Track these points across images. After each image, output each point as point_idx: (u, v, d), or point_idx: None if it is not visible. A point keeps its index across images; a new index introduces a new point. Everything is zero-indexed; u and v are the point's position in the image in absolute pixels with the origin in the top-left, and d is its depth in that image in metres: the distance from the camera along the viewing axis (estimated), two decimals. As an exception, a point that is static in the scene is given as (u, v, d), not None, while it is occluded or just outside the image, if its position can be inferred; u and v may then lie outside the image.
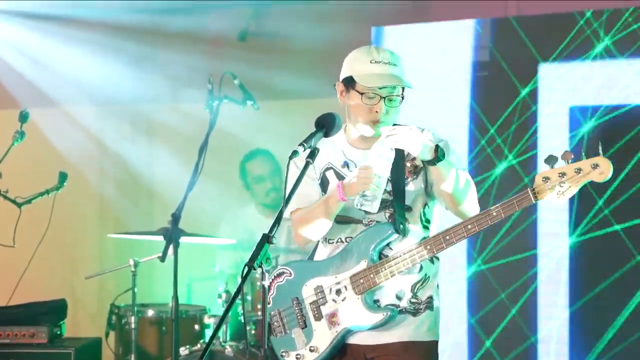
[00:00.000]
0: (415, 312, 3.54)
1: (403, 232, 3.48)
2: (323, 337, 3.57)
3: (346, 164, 3.56)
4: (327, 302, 3.57)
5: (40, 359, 5.25)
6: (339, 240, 3.58)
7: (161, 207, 6.38)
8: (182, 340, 4.87)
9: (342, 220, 3.56)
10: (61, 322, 5.46)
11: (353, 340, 3.57)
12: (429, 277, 3.55)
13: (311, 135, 3.32)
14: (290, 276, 3.65)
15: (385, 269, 3.46)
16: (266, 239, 3.09)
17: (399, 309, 3.52)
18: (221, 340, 4.96)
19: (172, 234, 4.03)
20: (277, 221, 3.15)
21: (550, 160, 3.22)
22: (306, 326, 3.59)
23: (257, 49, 6.59)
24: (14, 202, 5.37)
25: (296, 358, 3.61)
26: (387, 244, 3.51)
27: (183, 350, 4.87)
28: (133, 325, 5.16)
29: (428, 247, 3.41)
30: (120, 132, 6.97)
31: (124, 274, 5.18)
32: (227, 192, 6.33)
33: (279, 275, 3.68)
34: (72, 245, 6.96)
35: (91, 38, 6.76)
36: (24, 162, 5.81)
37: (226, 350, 4.87)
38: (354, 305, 3.52)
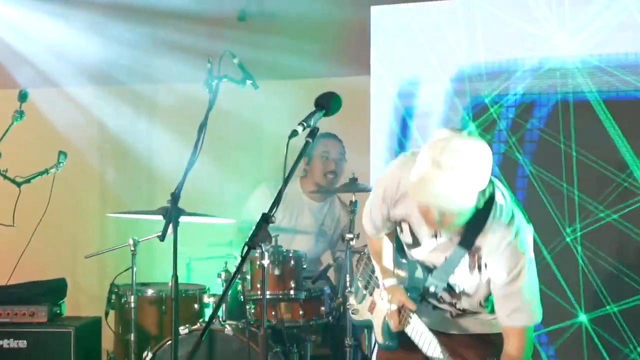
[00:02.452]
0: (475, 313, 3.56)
1: (431, 296, 3.49)
2: (363, 309, 3.76)
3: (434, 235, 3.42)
4: (378, 289, 3.67)
5: (41, 338, 5.28)
6: (411, 256, 3.57)
7: (161, 186, 6.39)
8: (181, 319, 4.88)
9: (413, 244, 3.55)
10: (61, 302, 5.48)
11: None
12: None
13: (311, 115, 3.31)
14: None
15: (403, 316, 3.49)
16: (266, 218, 3.10)
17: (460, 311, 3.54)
18: (221, 319, 4.97)
19: (172, 213, 4.02)
20: (277, 201, 3.15)
21: None
22: (366, 289, 3.75)
23: (256, 29, 6.58)
24: (13, 181, 5.37)
25: (348, 306, 3.94)
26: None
27: (183, 330, 4.88)
28: (133, 305, 5.17)
29: (420, 334, 3.44)
30: (120, 112, 6.96)
31: (124, 253, 5.18)
32: (227, 171, 6.33)
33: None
34: (71, 225, 6.97)
35: (91, 18, 6.75)
36: (24, 141, 5.81)
37: (226, 329, 4.88)
38: (380, 315, 3.61)
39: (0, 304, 5.32)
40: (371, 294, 3.68)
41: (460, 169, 3.01)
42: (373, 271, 3.74)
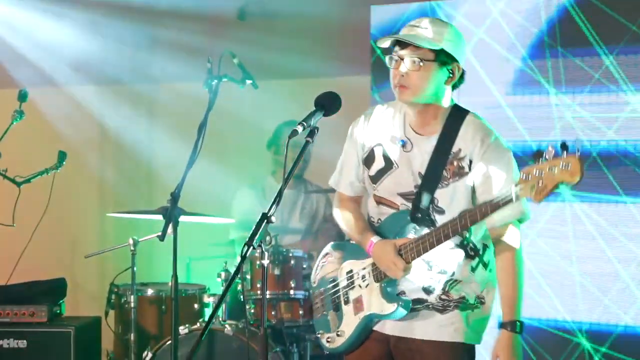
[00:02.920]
0: (442, 310, 3.45)
1: (419, 222, 3.41)
2: (349, 322, 3.58)
3: (403, 143, 3.47)
4: (354, 286, 3.57)
5: (40, 338, 5.27)
6: (379, 220, 3.56)
7: (161, 186, 6.38)
8: (181, 319, 4.88)
9: (380, 201, 3.55)
10: (61, 301, 5.47)
11: (379, 327, 3.54)
12: (460, 280, 3.44)
13: (310, 115, 3.31)
14: (331, 257, 3.68)
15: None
16: (265, 218, 3.09)
17: (425, 303, 3.45)
18: (221, 319, 4.97)
19: (172, 213, 4.02)
20: (277, 200, 3.15)
21: (537, 156, 3.01)
22: (338, 310, 3.61)
23: (256, 28, 6.57)
24: (13, 181, 5.37)
25: (327, 341, 3.64)
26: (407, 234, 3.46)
27: (182, 329, 4.88)
28: (133, 304, 5.17)
29: (430, 239, 3.32)
30: (120, 112, 6.96)
31: (124, 253, 5.18)
32: (226, 171, 6.33)
33: (324, 255, 3.72)
34: (71, 224, 6.97)
35: (91, 18, 6.74)
36: (23, 141, 5.81)
37: (226, 329, 4.88)
38: (374, 293, 3.51)
39: (0, 304, 5.31)
40: (347, 302, 3.60)
41: (428, 22, 3.35)
42: (335, 286, 3.65)
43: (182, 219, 4.10)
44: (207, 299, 5.30)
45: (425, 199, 3.40)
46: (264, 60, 6.00)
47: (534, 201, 3.04)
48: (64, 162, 5.48)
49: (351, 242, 3.70)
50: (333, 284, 3.65)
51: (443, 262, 3.44)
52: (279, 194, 3.15)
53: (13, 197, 5.37)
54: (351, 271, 3.59)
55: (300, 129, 3.25)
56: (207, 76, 4.26)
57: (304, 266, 5.14)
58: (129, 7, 6.59)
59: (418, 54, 3.30)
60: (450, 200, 3.39)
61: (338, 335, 3.60)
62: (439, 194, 3.40)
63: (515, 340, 3.36)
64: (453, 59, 3.35)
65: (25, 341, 5.26)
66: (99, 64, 6.87)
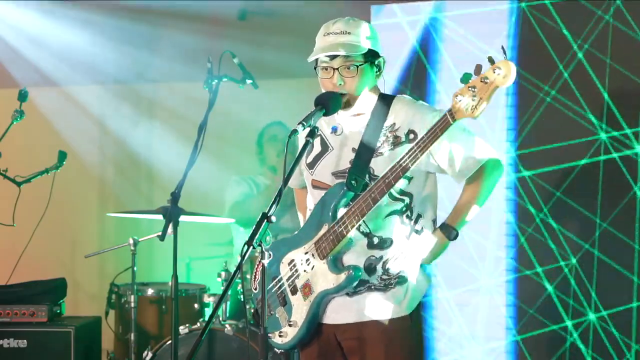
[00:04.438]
0: (384, 289, 3.48)
1: (356, 188, 3.42)
2: (300, 309, 3.54)
3: (334, 129, 3.58)
4: (300, 274, 3.54)
5: (41, 338, 5.27)
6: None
7: (161, 186, 6.38)
8: (181, 319, 4.88)
9: (316, 185, 3.58)
10: (61, 301, 5.47)
11: (325, 319, 3.53)
12: (401, 253, 3.49)
13: (311, 114, 3.32)
14: (271, 259, 3.65)
15: (341, 227, 3.41)
16: (265, 217, 3.09)
17: (367, 284, 3.47)
18: (221, 319, 4.97)
19: (172, 213, 4.03)
20: (277, 200, 3.15)
21: (465, 78, 3.15)
22: (286, 303, 3.58)
23: (257, 28, 6.58)
24: (13, 181, 5.37)
25: (279, 336, 3.60)
26: (345, 204, 3.46)
27: (183, 329, 4.88)
28: (133, 304, 5.18)
29: (372, 194, 3.35)
30: (120, 112, 6.96)
31: (124, 253, 5.18)
32: (226, 171, 6.33)
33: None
34: (71, 224, 6.96)
35: (91, 18, 6.74)
36: (24, 141, 5.81)
37: (226, 329, 4.88)
38: (321, 271, 3.48)
39: (0, 303, 5.31)
40: (295, 292, 3.55)
41: (354, 29, 3.49)
42: (278, 281, 3.62)
43: (182, 218, 4.11)
44: (207, 299, 5.30)
45: (360, 168, 3.46)
46: (264, 60, 6.00)
47: (471, 117, 3.16)
48: (64, 162, 5.48)
49: (282, 238, 3.75)
50: (275, 280, 3.62)
51: (382, 231, 3.47)
52: (279, 194, 3.15)
53: (13, 197, 5.37)
54: (293, 261, 3.57)
55: (300, 128, 3.26)
56: (207, 76, 4.27)
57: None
58: (129, 7, 6.59)
59: (350, 60, 3.44)
60: (387, 166, 3.41)
61: (290, 325, 3.56)
62: (375, 162, 3.47)
63: (444, 244, 3.52)
64: (378, 54, 3.50)
65: (25, 341, 5.26)
66: (99, 63, 6.87)
